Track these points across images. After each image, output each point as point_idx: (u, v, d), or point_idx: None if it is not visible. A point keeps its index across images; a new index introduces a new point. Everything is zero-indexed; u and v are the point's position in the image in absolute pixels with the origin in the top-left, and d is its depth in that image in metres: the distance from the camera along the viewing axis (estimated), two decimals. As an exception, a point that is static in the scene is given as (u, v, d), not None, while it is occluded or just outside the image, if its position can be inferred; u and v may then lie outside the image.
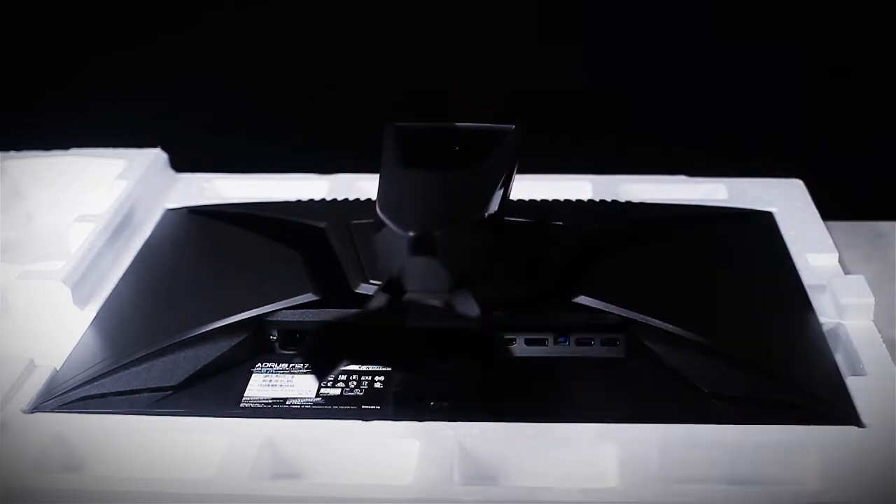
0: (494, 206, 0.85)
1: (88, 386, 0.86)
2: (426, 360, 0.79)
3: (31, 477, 0.77)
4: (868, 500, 0.73)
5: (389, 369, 0.85)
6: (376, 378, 0.85)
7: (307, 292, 0.90)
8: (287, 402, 0.84)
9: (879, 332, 0.89)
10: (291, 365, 0.88)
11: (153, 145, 1.18)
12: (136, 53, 1.45)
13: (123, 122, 1.25)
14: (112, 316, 0.95)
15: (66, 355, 0.90)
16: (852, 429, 0.79)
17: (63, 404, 0.84)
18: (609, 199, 1.07)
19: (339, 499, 0.74)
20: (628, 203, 1.07)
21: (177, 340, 0.88)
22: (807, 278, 0.96)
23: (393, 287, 0.80)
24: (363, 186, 1.12)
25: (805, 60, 1.43)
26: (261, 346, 0.89)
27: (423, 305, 0.78)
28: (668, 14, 1.42)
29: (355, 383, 0.85)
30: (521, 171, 0.89)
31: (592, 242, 0.97)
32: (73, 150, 1.19)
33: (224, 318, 0.89)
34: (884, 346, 0.88)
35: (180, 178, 1.18)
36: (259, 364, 0.88)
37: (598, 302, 0.88)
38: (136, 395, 0.85)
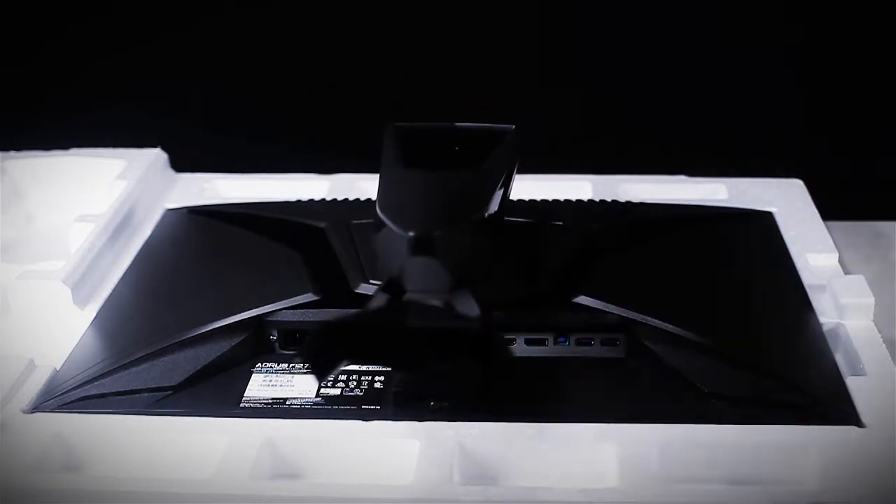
0: (494, 206, 0.85)
1: (88, 386, 0.86)
2: (426, 360, 0.79)
3: (31, 477, 0.77)
4: (868, 500, 0.73)
5: (389, 369, 0.85)
6: (376, 378, 0.85)
7: (307, 292, 0.90)
8: (287, 402, 0.84)
9: (879, 332, 0.89)
10: (291, 365, 0.88)
11: (153, 145, 1.18)
12: (136, 53, 1.45)
13: (123, 122, 1.25)
14: (112, 316, 0.95)
15: (66, 355, 0.90)
16: (852, 429, 0.79)
17: (63, 404, 0.84)
18: (609, 199, 1.07)
19: (339, 499, 0.74)
20: (628, 203, 1.07)
21: (177, 340, 0.88)
22: (807, 278, 0.96)
23: (393, 287, 0.80)
24: (363, 186, 1.12)
25: (805, 60, 1.43)
26: (261, 346, 0.89)
27: (423, 305, 0.78)
28: (668, 14, 1.42)
29: (355, 383, 0.85)
30: (521, 171, 0.89)
31: (592, 242, 0.97)
32: (73, 150, 1.18)
33: (224, 318, 0.89)
34: (884, 346, 0.88)
35: (180, 178, 1.18)
36: (259, 364, 0.88)
37: (598, 302, 0.88)
38: (136, 395, 0.85)
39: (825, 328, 0.90)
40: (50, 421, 0.83)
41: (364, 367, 0.86)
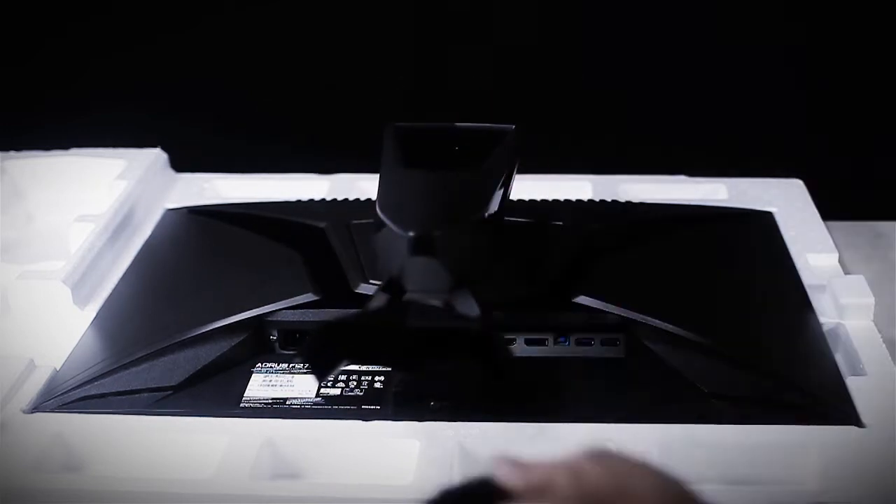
0: (494, 206, 0.85)
1: (88, 386, 0.86)
2: (426, 360, 0.79)
3: (31, 477, 0.77)
4: (868, 500, 0.73)
5: (389, 369, 0.85)
6: (376, 378, 0.85)
7: (307, 292, 0.90)
8: (287, 402, 0.84)
9: (879, 332, 0.89)
10: (291, 365, 0.88)
11: (153, 145, 1.18)
12: (136, 53, 1.45)
13: (123, 122, 1.25)
14: (112, 316, 0.95)
15: (66, 355, 0.90)
16: (852, 429, 0.79)
17: (63, 404, 0.84)
18: (609, 199, 1.07)
19: (339, 499, 0.74)
20: (628, 203, 1.07)
21: (177, 340, 0.88)
22: (807, 278, 0.96)
23: (393, 287, 0.80)
24: (363, 186, 1.12)
25: (805, 60, 1.43)
26: (261, 346, 0.89)
27: (423, 305, 0.78)
28: (668, 14, 1.42)
29: (355, 383, 0.85)
30: (521, 171, 0.89)
31: (592, 242, 0.97)
32: (73, 150, 1.19)
33: (224, 318, 0.89)
34: (884, 346, 0.88)
35: (180, 178, 1.18)
36: (259, 364, 0.88)
37: (598, 302, 0.88)
38: (136, 395, 0.85)
39: (825, 328, 0.90)
40: (50, 421, 0.83)
41: (364, 367, 0.86)
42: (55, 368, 0.88)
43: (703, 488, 0.75)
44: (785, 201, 1.10)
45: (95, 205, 1.08)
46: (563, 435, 0.79)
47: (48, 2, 1.45)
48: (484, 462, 0.78)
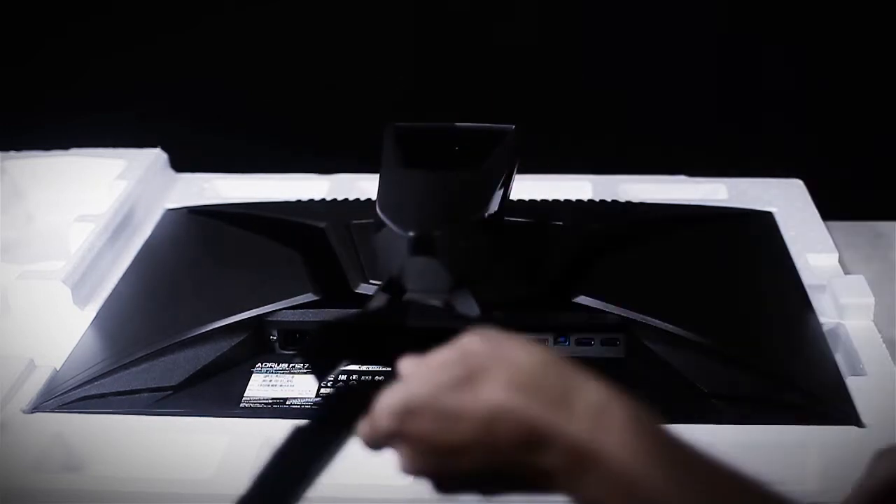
0: (494, 206, 0.85)
1: (88, 386, 0.86)
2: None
3: (31, 477, 0.77)
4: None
5: (389, 369, 0.85)
6: (376, 378, 0.85)
7: (307, 292, 0.90)
8: (287, 402, 0.84)
9: (879, 332, 0.89)
10: (291, 365, 0.88)
11: (153, 145, 1.18)
12: (136, 53, 1.45)
13: (123, 122, 1.25)
14: (112, 316, 0.95)
15: (66, 355, 0.90)
16: (852, 429, 0.79)
17: (63, 404, 0.84)
18: (609, 199, 1.07)
19: (339, 499, 0.74)
20: (628, 203, 1.07)
21: (177, 340, 0.88)
22: (807, 278, 0.96)
23: (393, 287, 0.80)
24: (363, 186, 1.12)
25: (805, 60, 1.43)
26: (261, 346, 0.89)
27: (423, 305, 0.78)
28: (668, 14, 1.42)
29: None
30: (521, 171, 0.89)
31: (592, 242, 0.97)
32: (73, 150, 1.19)
33: (224, 318, 0.89)
34: (884, 346, 0.88)
35: (180, 178, 1.18)
36: (259, 364, 0.88)
37: (598, 302, 0.88)
38: (136, 395, 0.85)
39: (825, 328, 0.90)
40: (50, 421, 0.83)
41: (364, 367, 0.86)
42: (55, 368, 0.88)
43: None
44: (785, 201, 1.10)
45: (95, 205, 1.08)
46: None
47: (48, 2, 1.45)
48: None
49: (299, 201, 1.07)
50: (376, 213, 0.84)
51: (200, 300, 0.93)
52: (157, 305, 0.95)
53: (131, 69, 1.46)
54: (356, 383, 0.80)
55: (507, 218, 0.87)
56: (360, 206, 1.04)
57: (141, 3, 1.46)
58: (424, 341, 0.73)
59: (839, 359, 0.87)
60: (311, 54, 1.46)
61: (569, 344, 0.88)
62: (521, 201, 1.03)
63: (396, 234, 0.81)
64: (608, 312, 0.87)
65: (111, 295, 0.97)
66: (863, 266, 1.04)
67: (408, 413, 0.57)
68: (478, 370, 0.56)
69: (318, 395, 0.84)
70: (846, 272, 0.99)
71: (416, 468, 0.58)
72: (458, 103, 1.43)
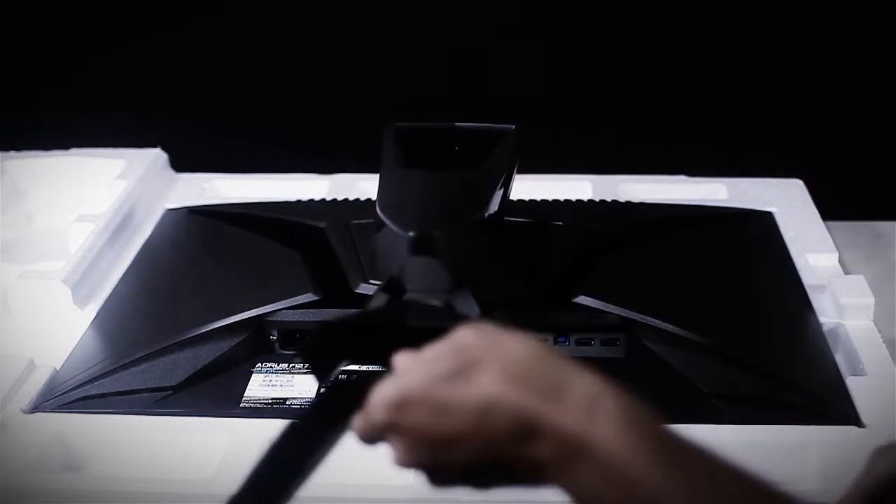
0: (494, 206, 0.85)
1: (88, 386, 0.86)
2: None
3: (31, 477, 0.77)
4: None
5: (389, 369, 0.85)
6: (371, 373, 0.85)
7: (307, 292, 0.90)
8: (287, 402, 0.84)
9: (879, 332, 0.89)
10: (291, 365, 0.88)
11: (153, 145, 1.18)
12: (136, 53, 1.45)
13: (123, 122, 1.25)
14: (112, 316, 0.95)
15: (66, 355, 0.90)
16: (852, 429, 0.79)
17: (63, 404, 0.84)
18: (609, 199, 1.07)
19: (340, 499, 0.74)
20: (628, 203, 1.07)
21: (177, 340, 0.88)
22: (807, 278, 0.96)
23: (393, 287, 0.80)
24: (363, 186, 1.12)
25: (805, 60, 1.43)
26: (261, 346, 0.89)
27: (423, 305, 0.78)
28: (668, 14, 1.42)
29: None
30: (521, 171, 0.89)
31: (592, 242, 0.97)
32: (73, 150, 1.19)
33: (224, 318, 0.89)
34: (884, 346, 0.88)
35: (180, 178, 1.18)
36: (259, 364, 0.88)
37: (598, 302, 0.88)
38: (136, 395, 0.85)
39: (825, 328, 0.90)
40: (50, 421, 0.83)
41: (364, 367, 0.86)
42: (55, 368, 0.88)
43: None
44: (785, 201, 1.10)
45: (95, 205, 1.08)
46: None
47: (48, 2, 1.45)
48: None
49: (299, 201, 1.07)
50: (376, 213, 0.84)
51: (200, 300, 0.93)
52: (157, 305, 0.95)
53: (131, 69, 1.46)
54: (350, 379, 0.80)
55: (507, 218, 0.87)
56: (360, 206, 1.04)
57: (141, 3, 1.46)
58: (424, 341, 0.73)
59: (839, 359, 0.87)
60: (311, 54, 1.46)
61: (569, 344, 0.88)
62: (521, 201, 1.03)
63: (396, 234, 0.81)
64: (608, 312, 0.87)
65: (111, 295, 0.97)
66: (863, 266, 1.04)
67: (401, 405, 0.57)
68: (471, 362, 0.57)
69: (317, 394, 0.84)
70: (846, 272, 0.99)
71: (410, 460, 0.58)
72: (458, 103, 1.43)
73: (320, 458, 0.61)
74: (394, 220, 0.82)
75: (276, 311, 0.89)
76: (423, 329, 0.77)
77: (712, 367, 0.84)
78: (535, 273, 0.92)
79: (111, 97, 1.44)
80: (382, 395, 0.58)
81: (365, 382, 0.60)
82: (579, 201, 1.06)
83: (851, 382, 0.83)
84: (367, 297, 0.83)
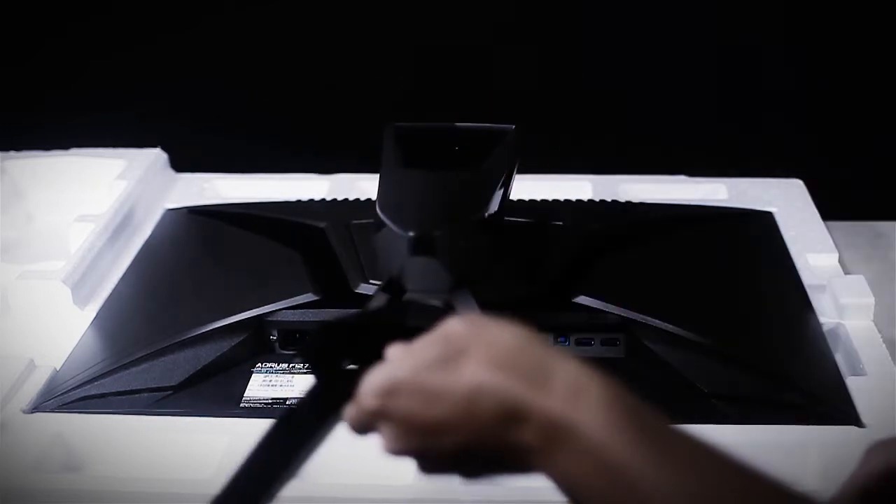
0: (494, 206, 0.85)
1: (88, 386, 0.86)
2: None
3: (31, 477, 0.77)
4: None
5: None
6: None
7: (307, 292, 0.90)
8: (287, 402, 0.84)
9: (879, 332, 0.89)
10: (291, 365, 0.88)
11: (153, 145, 1.18)
12: (136, 53, 1.45)
13: (123, 122, 1.25)
14: (112, 316, 0.95)
15: (66, 355, 0.90)
16: (852, 429, 0.79)
17: (63, 404, 0.84)
18: (609, 199, 1.07)
19: (340, 499, 0.74)
20: (628, 203, 1.07)
21: (177, 340, 0.88)
22: (807, 278, 0.96)
23: (393, 287, 0.80)
24: (363, 186, 1.12)
25: (805, 60, 1.43)
26: (261, 346, 0.89)
27: (423, 305, 0.78)
28: (668, 14, 1.42)
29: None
30: (521, 171, 0.89)
31: (592, 242, 0.97)
32: (73, 150, 1.19)
33: (224, 318, 0.89)
34: (884, 346, 0.88)
35: (180, 178, 1.18)
36: (259, 364, 0.88)
37: (598, 302, 0.88)
38: (136, 395, 0.85)
39: (825, 328, 0.90)
40: (50, 421, 0.83)
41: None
42: (55, 368, 0.88)
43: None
44: (785, 201, 1.10)
45: (95, 205, 1.08)
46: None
47: (48, 2, 1.45)
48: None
49: (299, 201, 1.07)
50: (376, 213, 0.84)
51: (200, 300, 0.93)
52: (157, 305, 0.95)
53: (131, 69, 1.46)
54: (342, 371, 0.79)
55: (507, 218, 0.87)
56: (360, 206, 1.04)
57: (141, 3, 1.46)
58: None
59: (839, 359, 0.87)
60: (311, 54, 1.46)
61: (569, 344, 0.88)
62: (521, 201, 1.03)
63: (396, 234, 0.81)
64: (608, 312, 0.87)
65: (111, 295, 0.97)
66: (863, 266, 1.04)
67: (390, 392, 0.58)
68: (459, 350, 0.57)
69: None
70: (846, 272, 0.99)
71: (399, 447, 0.59)
72: (458, 103, 1.43)
73: (311, 449, 0.61)
74: (394, 220, 0.82)
75: (276, 311, 0.89)
76: (423, 329, 0.77)
77: (712, 367, 0.84)
78: (535, 273, 0.92)
79: (111, 97, 1.44)
80: (372, 382, 0.59)
81: (355, 375, 0.61)
82: (579, 201, 1.06)
83: (851, 382, 0.83)
84: (367, 297, 0.83)
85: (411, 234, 0.80)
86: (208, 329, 0.88)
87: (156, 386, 0.85)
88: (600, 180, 1.14)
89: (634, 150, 1.41)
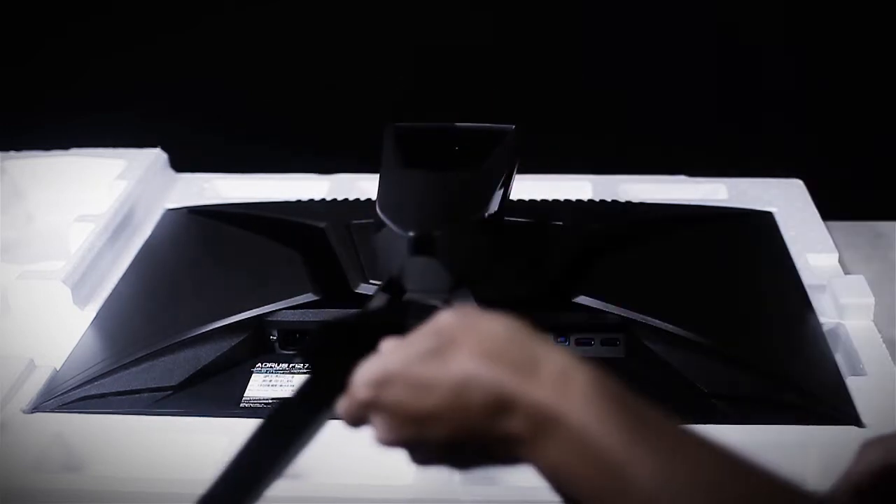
0: (494, 206, 0.85)
1: (88, 386, 0.86)
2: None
3: (31, 477, 0.77)
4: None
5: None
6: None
7: (307, 292, 0.90)
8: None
9: (879, 332, 0.89)
10: (291, 365, 0.88)
11: (153, 145, 1.18)
12: (136, 53, 1.45)
13: (123, 122, 1.25)
14: (112, 316, 0.95)
15: (66, 355, 0.90)
16: (852, 429, 0.79)
17: (63, 404, 0.84)
18: (609, 199, 1.07)
19: (340, 499, 0.74)
20: (628, 203, 1.07)
21: (177, 340, 0.88)
22: (807, 278, 0.96)
23: (393, 287, 0.80)
24: (363, 186, 1.12)
25: (805, 60, 1.43)
26: (261, 346, 0.89)
27: (423, 305, 0.78)
28: (668, 14, 1.42)
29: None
30: (521, 171, 0.89)
31: (592, 242, 0.97)
32: (73, 150, 1.19)
33: (224, 318, 0.89)
34: (884, 346, 0.88)
35: (180, 178, 1.18)
36: (259, 364, 0.88)
37: (598, 302, 0.88)
38: (136, 395, 0.85)
39: (825, 328, 0.90)
40: (50, 421, 0.83)
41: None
42: (55, 368, 0.88)
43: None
44: (785, 201, 1.10)
45: (95, 205, 1.08)
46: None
47: (48, 2, 1.45)
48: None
49: (299, 201, 1.07)
50: (376, 213, 0.84)
51: (200, 300, 0.93)
52: (157, 305, 0.95)
53: (131, 69, 1.46)
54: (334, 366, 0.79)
55: (507, 218, 0.87)
56: (360, 206, 1.04)
57: (141, 3, 1.46)
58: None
59: (839, 359, 0.87)
60: (311, 54, 1.46)
61: (569, 344, 0.88)
62: (521, 201, 1.03)
63: (396, 234, 0.81)
64: (608, 312, 0.87)
65: (111, 295, 0.97)
66: (863, 266, 1.04)
67: (382, 383, 0.59)
68: (449, 342, 0.58)
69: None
70: (846, 272, 0.99)
71: (390, 438, 0.60)
72: (458, 103, 1.43)
73: (303, 444, 0.62)
74: (394, 220, 0.82)
75: (276, 311, 0.89)
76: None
77: (712, 367, 0.84)
78: (535, 273, 0.92)
79: (111, 97, 1.44)
80: (364, 374, 0.60)
81: (347, 369, 0.61)
82: (579, 201, 1.06)
83: (851, 382, 0.83)
84: (367, 297, 0.83)
85: (411, 234, 0.80)
86: (208, 329, 0.88)
87: (156, 386, 0.85)
88: (600, 180, 1.14)
89: (634, 150, 1.41)
